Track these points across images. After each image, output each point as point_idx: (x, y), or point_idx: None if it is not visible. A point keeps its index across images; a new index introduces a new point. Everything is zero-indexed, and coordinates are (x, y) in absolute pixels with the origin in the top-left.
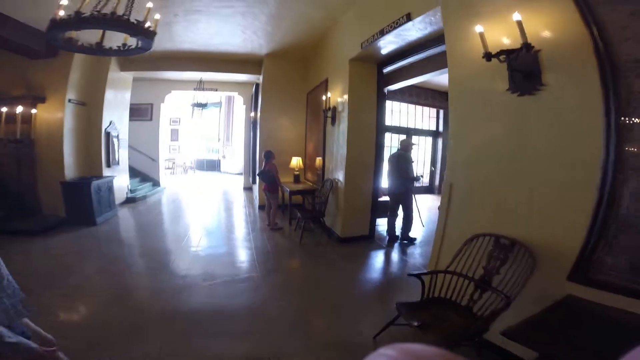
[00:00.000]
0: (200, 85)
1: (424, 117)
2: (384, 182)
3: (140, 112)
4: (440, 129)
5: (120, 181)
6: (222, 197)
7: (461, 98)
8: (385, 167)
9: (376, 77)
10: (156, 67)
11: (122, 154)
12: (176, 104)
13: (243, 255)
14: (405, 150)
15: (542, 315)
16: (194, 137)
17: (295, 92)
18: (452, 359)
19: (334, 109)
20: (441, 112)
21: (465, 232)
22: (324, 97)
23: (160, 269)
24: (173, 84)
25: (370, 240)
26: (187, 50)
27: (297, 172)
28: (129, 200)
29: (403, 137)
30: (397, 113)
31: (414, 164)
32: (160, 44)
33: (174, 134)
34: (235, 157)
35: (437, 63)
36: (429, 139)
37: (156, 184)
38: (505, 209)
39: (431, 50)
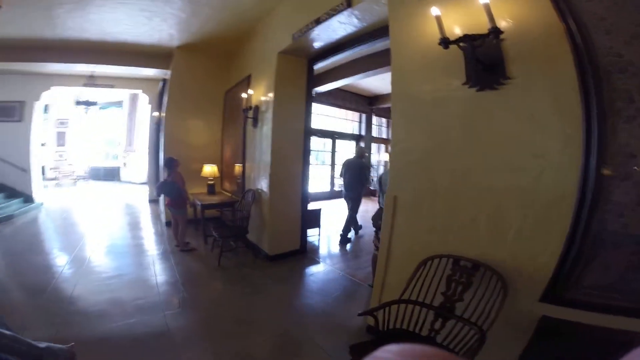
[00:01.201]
0: (90, 81)
1: (347, 120)
2: (316, 188)
3: (5, 112)
4: (363, 132)
5: None
6: (120, 213)
7: (407, 96)
8: (337, 172)
9: (306, 74)
10: (29, 57)
11: None
12: (64, 103)
13: (142, 291)
14: (361, 157)
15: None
16: (88, 142)
17: (210, 90)
18: (453, 358)
19: (257, 108)
20: (363, 116)
21: (415, 251)
22: (244, 95)
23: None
24: (53, 79)
25: (302, 254)
26: (75, 39)
27: (212, 182)
28: None
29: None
30: (320, 116)
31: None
32: (36, 30)
33: (61, 138)
34: (139, 165)
35: (367, 63)
36: (352, 143)
37: (29, 199)
38: (464, 226)
39: (366, 45)
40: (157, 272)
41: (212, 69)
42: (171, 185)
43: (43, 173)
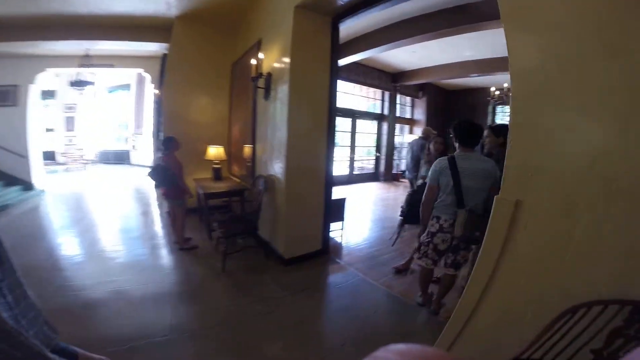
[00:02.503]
0: (86, 61)
1: (368, 99)
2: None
3: None
4: (386, 112)
5: None
6: (122, 200)
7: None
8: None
9: (330, 36)
10: (20, 36)
11: None
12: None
13: (126, 309)
14: (426, 138)
15: None
16: (98, 126)
17: (215, 62)
18: (452, 359)
19: (269, 76)
20: (386, 94)
21: (547, 287)
22: (253, 61)
23: None
24: (47, 60)
25: (324, 256)
26: (62, 14)
27: (218, 166)
28: None
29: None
30: (339, 93)
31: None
32: (17, 6)
33: (70, 123)
34: (148, 147)
35: (402, 30)
36: (374, 123)
37: (29, 187)
38: None
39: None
40: (148, 279)
41: (216, 39)
42: (163, 171)
43: (54, 159)
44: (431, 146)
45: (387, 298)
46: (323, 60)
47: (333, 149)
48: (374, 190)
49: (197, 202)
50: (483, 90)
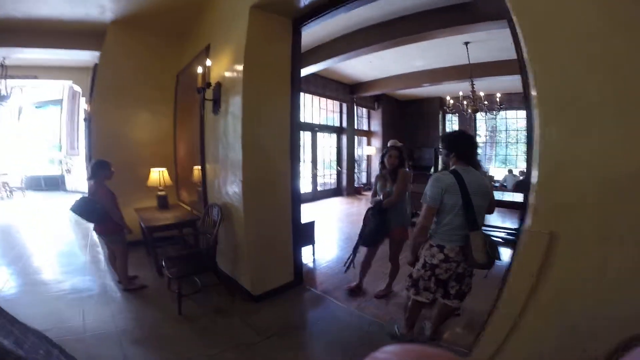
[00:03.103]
0: (2, 72)
1: (327, 111)
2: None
3: None
4: (344, 124)
5: None
6: (55, 233)
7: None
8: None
9: (291, 39)
10: None
11: None
12: None
13: None
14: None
15: None
16: (26, 147)
17: (157, 72)
18: (452, 359)
19: (218, 87)
20: (344, 106)
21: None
22: (200, 70)
23: None
24: None
25: (298, 286)
26: None
27: (163, 193)
28: None
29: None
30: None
31: None
32: None
33: None
34: (84, 171)
35: (361, 38)
36: (334, 136)
37: None
38: None
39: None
40: (87, 328)
41: (159, 47)
42: (90, 204)
43: None
44: (385, 160)
45: (373, 327)
46: (282, 67)
47: (298, 166)
48: (338, 206)
49: (142, 233)
50: (434, 100)
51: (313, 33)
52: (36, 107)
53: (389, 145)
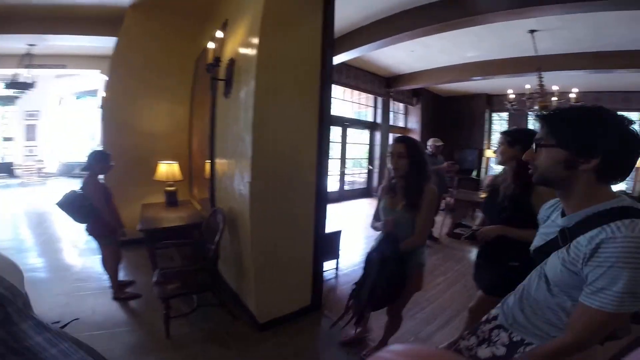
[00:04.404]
0: (28, 61)
1: (360, 105)
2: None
3: None
4: (379, 120)
5: None
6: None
7: None
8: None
9: (322, 12)
10: None
11: None
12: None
13: None
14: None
15: None
16: (63, 135)
17: (176, 58)
18: (453, 358)
19: (231, 63)
20: (379, 100)
21: None
22: (211, 44)
23: None
24: None
25: (315, 313)
26: (4, 3)
27: (173, 188)
28: None
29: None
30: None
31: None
32: None
33: (31, 132)
34: None
35: (403, 22)
36: (366, 132)
37: None
38: None
39: None
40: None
41: (178, 31)
42: (79, 199)
43: (9, 172)
44: (389, 161)
45: None
46: (311, 44)
47: (327, 164)
48: (367, 208)
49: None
50: (479, 97)
51: (347, 17)
52: (77, 97)
53: (393, 140)
